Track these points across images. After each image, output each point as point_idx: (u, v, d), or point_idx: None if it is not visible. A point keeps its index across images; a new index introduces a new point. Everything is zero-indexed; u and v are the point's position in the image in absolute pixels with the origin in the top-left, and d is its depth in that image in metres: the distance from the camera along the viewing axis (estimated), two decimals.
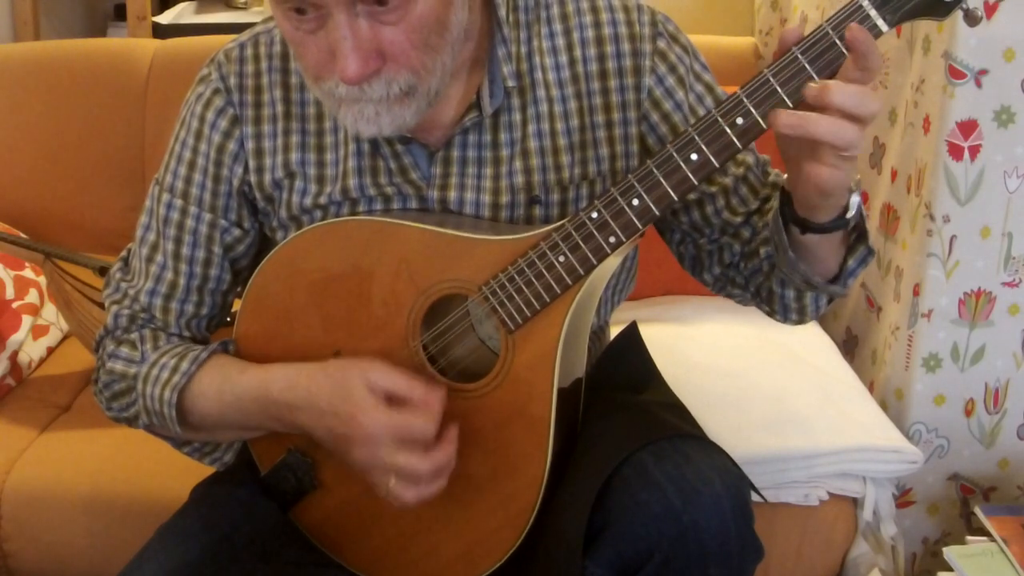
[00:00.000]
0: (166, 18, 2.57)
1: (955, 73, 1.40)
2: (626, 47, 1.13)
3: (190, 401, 1.10)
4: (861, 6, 0.89)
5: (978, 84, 1.41)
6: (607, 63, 1.13)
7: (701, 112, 1.14)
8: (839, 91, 0.87)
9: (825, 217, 0.98)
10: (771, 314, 1.17)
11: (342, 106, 0.99)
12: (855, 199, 0.98)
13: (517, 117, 1.12)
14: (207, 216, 1.15)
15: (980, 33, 1.39)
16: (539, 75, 1.12)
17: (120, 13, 2.75)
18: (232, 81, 1.14)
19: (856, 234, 1.04)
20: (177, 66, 2.03)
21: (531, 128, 1.12)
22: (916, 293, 1.51)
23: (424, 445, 0.99)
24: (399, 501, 1.00)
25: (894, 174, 1.61)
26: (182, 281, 1.16)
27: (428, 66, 0.98)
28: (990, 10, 1.38)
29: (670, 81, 1.13)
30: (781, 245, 1.02)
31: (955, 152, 1.44)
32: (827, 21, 0.89)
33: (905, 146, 1.56)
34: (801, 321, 1.16)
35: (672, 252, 1.23)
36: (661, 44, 1.13)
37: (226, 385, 1.09)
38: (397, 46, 0.95)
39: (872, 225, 1.67)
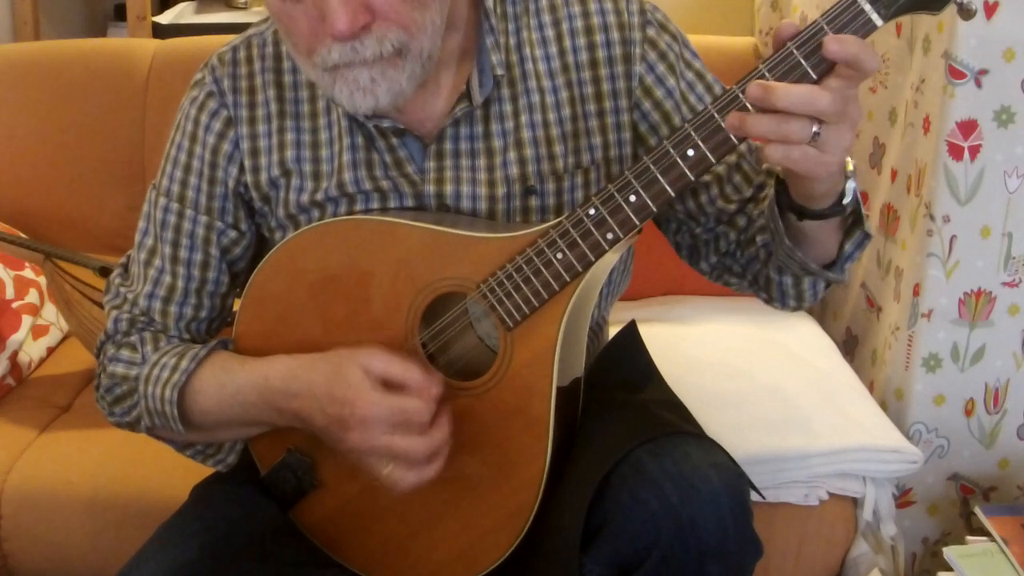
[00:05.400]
0: (166, 18, 2.57)
1: (955, 73, 1.40)
2: (615, 36, 1.13)
3: (191, 398, 1.10)
4: (855, 0, 0.89)
5: (978, 84, 1.40)
6: (597, 52, 1.13)
7: (692, 99, 1.15)
8: (782, 94, 0.87)
9: (821, 204, 0.98)
10: (769, 301, 1.17)
11: (336, 80, 0.99)
12: (851, 184, 0.98)
13: (508, 108, 1.12)
14: (203, 219, 1.15)
15: (980, 33, 1.38)
16: (529, 66, 1.12)
17: (120, 13, 2.75)
18: (226, 83, 1.14)
19: (853, 218, 1.04)
20: (177, 66, 2.03)
21: (523, 119, 1.12)
22: (916, 293, 1.51)
23: (420, 428, 0.99)
24: (396, 486, 1.00)
25: (894, 174, 1.61)
26: (180, 284, 1.16)
27: (418, 22, 0.98)
28: (990, 10, 1.37)
29: (661, 68, 1.14)
30: (778, 232, 1.02)
31: (955, 152, 1.43)
32: (823, 16, 0.89)
33: (905, 146, 1.56)
34: (799, 307, 1.16)
35: (669, 242, 1.24)
36: (650, 32, 1.14)
37: (227, 377, 1.09)
38: (386, 1, 0.96)
39: (872, 225, 1.67)
